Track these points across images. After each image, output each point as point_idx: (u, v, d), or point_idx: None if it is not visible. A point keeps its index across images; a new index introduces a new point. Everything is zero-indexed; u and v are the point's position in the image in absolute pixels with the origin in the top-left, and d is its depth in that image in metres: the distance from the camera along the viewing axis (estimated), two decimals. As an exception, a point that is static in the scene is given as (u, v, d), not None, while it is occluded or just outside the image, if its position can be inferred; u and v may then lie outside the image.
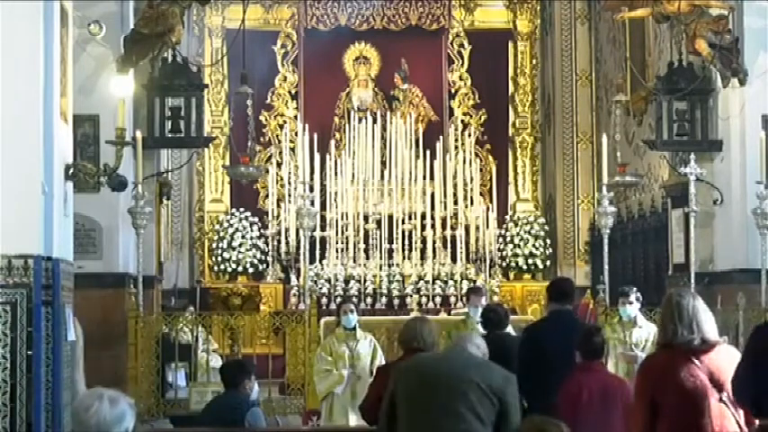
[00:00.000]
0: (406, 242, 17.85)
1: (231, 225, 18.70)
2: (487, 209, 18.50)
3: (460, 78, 19.86)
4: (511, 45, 19.86)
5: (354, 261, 17.80)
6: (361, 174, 18.29)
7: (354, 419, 9.70)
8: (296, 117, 19.23)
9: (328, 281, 17.37)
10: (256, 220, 18.81)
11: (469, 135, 19.20)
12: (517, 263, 18.85)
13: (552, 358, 7.14)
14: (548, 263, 18.93)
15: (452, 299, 17.36)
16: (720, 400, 5.13)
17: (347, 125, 18.96)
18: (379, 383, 7.26)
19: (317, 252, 17.51)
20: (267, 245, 18.58)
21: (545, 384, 6.86)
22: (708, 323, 5.18)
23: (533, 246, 18.82)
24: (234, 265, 18.53)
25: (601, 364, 6.92)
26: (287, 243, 18.16)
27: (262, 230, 18.72)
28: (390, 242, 17.85)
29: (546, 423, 3.72)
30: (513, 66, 19.89)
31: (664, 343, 5.28)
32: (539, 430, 3.70)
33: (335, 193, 18.17)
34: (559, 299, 7.80)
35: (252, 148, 17.33)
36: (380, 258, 17.73)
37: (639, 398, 5.32)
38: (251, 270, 18.55)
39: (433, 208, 18.23)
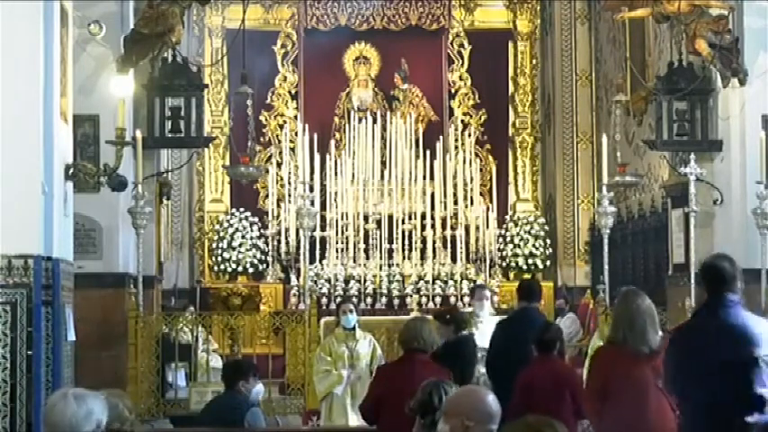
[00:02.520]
0: (406, 242, 17.82)
1: (231, 225, 18.68)
2: (487, 209, 18.47)
3: (460, 78, 19.84)
4: (511, 45, 19.84)
5: (354, 261, 17.76)
6: (361, 174, 18.26)
7: (354, 419, 9.70)
8: (296, 117, 19.21)
9: (328, 281, 17.34)
10: (256, 220, 18.78)
11: (469, 135, 19.18)
12: (517, 263, 18.82)
13: (519, 348, 7.88)
14: (548, 263, 18.90)
15: (452, 299, 17.34)
16: (658, 386, 5.93)
17: (347, 125, 18.93)
18: (379, 383, 7.27)
19: (317, 252, 17.48)
20: (267, 245, 18.55)
21: (514, 371, 7.57)
22: (655, 332, 6.02)
23: (533, 246, 18.80)
24: (234, 265, 18.50)
25: (554, 357, 7.63)
26: (287, 243, 18.14)
27: (262, 230, 18.69)
28: (390, 242, 17.82)
29: (541, 423, 3.70)
30: (513, 66, 19.86)
31: (613, 341, 6.10)
32: (534, 431, 3.67)
33: (335, 193, 18.14)
34: (526, 297, 8.76)
35: (252, 148, 17.30)
36: (380, 258, 17.70)
37: (591, 387, 6.19)
38: (251, 270, 18.52)
39: (433, 208, 18.19)
